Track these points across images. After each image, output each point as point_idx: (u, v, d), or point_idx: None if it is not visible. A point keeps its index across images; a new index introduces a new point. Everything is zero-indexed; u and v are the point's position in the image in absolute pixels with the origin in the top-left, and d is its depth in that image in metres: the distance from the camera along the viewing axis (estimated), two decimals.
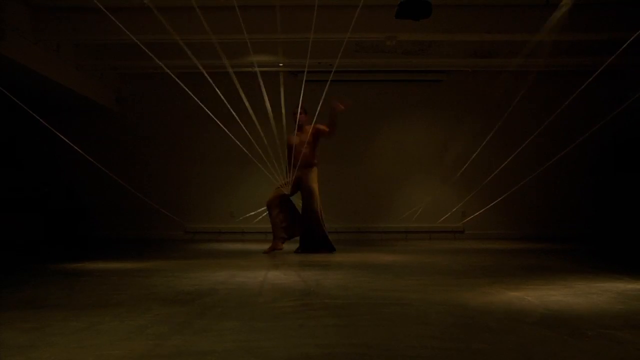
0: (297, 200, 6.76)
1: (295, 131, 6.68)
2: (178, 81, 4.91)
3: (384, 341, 2.26)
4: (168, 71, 5.00)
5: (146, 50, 4.88)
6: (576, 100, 5.30)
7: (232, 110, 5.33)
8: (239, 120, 5.59)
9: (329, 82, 6.16)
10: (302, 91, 6.27)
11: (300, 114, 6.59)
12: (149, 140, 10.21)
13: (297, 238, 6.76)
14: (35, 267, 5.24)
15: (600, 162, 9.90)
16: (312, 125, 6.55)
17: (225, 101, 5.07)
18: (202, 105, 4.82)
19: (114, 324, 2.56)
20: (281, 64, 8.94)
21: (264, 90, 5.82)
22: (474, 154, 6.38)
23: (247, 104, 5.29)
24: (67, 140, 4.54)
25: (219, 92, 5.20)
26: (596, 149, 9.75)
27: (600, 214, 9.71)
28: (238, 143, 5.54)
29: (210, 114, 5.05)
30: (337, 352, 2.07)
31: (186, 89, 4.97)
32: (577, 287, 3.62)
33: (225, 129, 5.31)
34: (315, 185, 6.52)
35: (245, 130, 5.92)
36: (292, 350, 2.09)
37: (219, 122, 5.14)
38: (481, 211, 6.91)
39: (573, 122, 8.03)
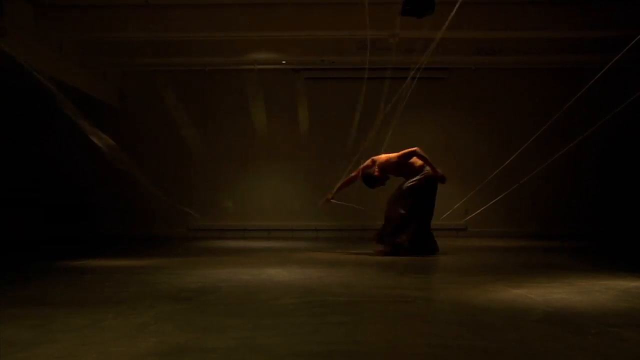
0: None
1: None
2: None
3: (387, 339, 2.26)
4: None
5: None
6: (581, 98, 5.27)
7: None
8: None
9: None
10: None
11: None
12: (152, 138, 10.20)
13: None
14: (39, 264, 5.25)
15: (605, 161, 9.86)
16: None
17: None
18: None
19: (117, 321, 2.56)
20: (284, 62, 8.93)
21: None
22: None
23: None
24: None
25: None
26: (600, 148, 9.71)
27: (604, 212, 9.67)
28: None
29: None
30: (340, 349, 2.07)
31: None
32: (580, 284, 3.61)
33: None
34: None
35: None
36: (294, 347, 2.09)
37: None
38: (484, 208, 6.86)
39: (577, 120, 8.00)
